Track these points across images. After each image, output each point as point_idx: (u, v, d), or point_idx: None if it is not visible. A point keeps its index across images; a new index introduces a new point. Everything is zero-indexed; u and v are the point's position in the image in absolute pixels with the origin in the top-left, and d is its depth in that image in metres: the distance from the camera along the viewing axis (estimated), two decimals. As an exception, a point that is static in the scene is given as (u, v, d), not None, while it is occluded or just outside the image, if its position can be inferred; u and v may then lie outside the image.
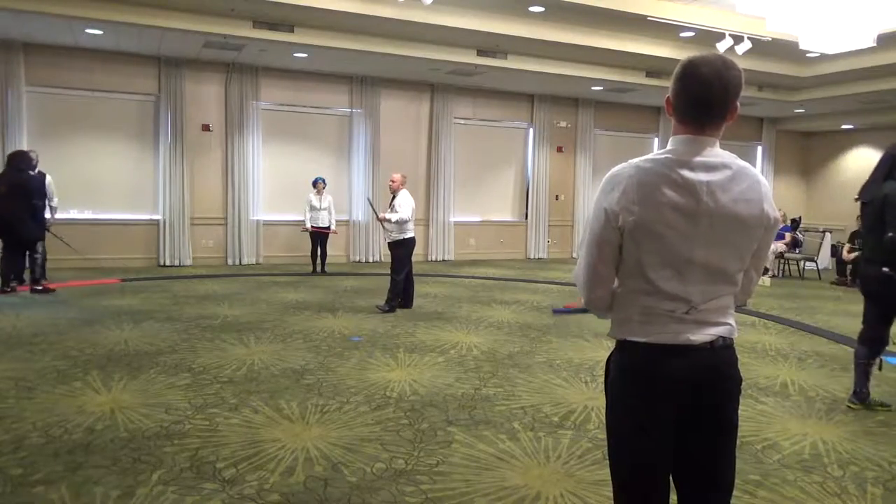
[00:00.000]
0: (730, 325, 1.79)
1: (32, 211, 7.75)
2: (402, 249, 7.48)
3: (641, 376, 1.76)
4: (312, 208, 10.51)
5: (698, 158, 1.70)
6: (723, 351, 1.78)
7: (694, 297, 1.72)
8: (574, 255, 14.15)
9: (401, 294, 7.53)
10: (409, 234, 7.48)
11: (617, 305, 1.80)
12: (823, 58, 10.67)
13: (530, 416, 4.11)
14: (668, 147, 1.75)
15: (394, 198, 7.54)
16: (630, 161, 1.74)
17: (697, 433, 1.78)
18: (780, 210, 10.81)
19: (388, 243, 7.62)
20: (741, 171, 1.72)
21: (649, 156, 1.74)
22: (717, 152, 1.73)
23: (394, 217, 7.37)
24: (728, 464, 1.86)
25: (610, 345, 6.06)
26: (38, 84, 10.12)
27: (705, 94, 1.70)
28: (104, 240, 10.52)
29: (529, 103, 13.55)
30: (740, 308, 1.85)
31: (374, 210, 8.53)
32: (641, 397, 1.76)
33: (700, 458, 1.81)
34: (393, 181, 7.63)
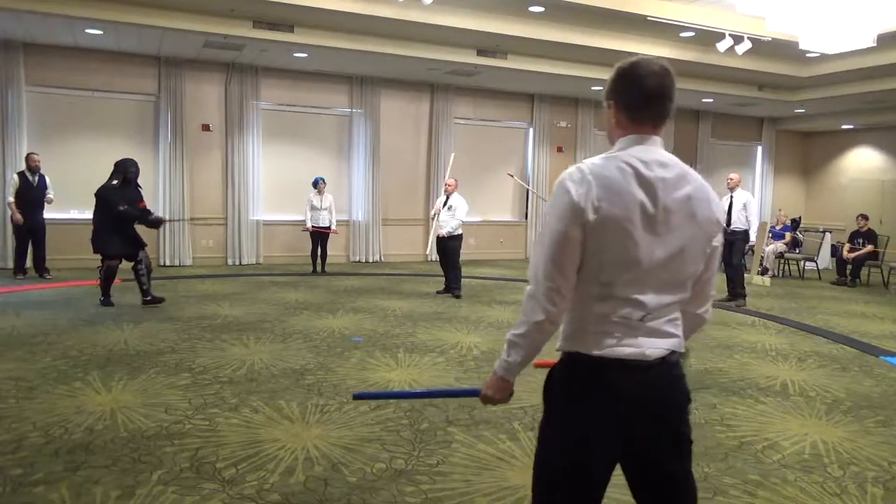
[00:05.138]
0: (679, 337, 1.75)
1: (117, 224, 7.10)
2: (457, 241, 8.53)
3: (592, 392, 1.68)
4: (313, 208, 10.51)
5: (653, 157, 1.68)
6: (674, 365, 1.74)
7: (650, 302, 1.67)
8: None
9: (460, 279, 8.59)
10: (461, 230, 8.56)
11: (568, 317, 1.71)
12: (823, 58, 10.68)
13: (530, 416, 4.11)
14: (622, 146, 1.71)
15: (448, 198, 8.53)
16: (584, 161, 1.69)
17: (651, 450, 1.74)
18: (779, 210, 10.73)
19: (445, 237, 8.41)
20: (688, 172, 1.72)
21: (603, 155, 1.71)
22: (665, 152, 1.72)
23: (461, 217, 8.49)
24: (688, 475, 1.83)
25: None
26: (38, 84, 10.11)
27: (659, 92, 1.69)
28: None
29: (529, 103, 13.55)
30: (700, 326, 1.76)
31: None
32: (590, 414, 1.68)
33: (657, 475, 1.79)
34: (448, 185, 8.63)
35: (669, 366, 1.72)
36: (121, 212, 6.98)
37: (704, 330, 7.04)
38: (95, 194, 7.13)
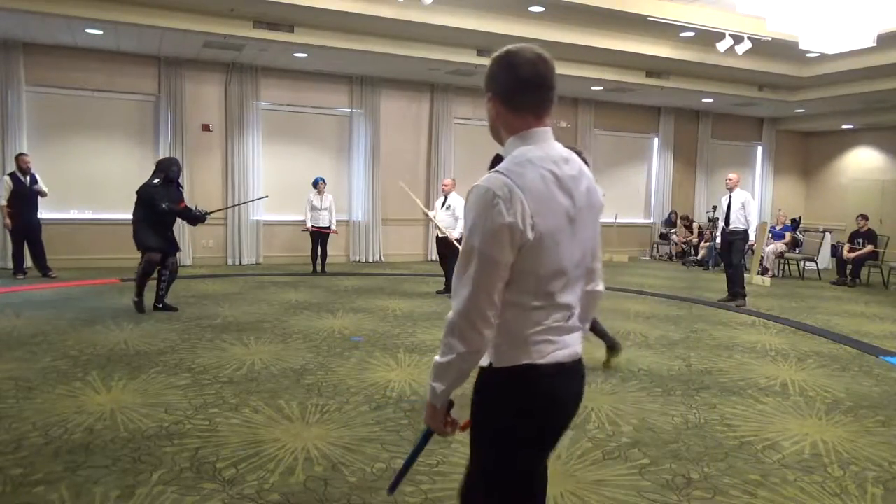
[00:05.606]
0: (583, 329, 1.78)
1: (158, 221, 6.97)
2: (459, 241, 8.32)
3: (540, 400, 1.65)
4: (313, 208, 10.51)
5: (557, 154, 1.64)
6: (581, 357, 1.77)
7: (574, 302, 1.68)
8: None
9: None
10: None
11: (503, 332, 1.61)
12: (823, 58, 10.68)
13: (530, 416, 4.11)
14: (522, 145, 1.63)
15: (446, 198, 8.39)
16: (498, 172, 1.56)
17: (558, 438, 1.79)
18: (779, 210, 10.72)
19: (447, 239, 8.12)
20: (578, 161, 1.69)
21: (516, 160, 1.59)
22: (559, 144, 1.68)
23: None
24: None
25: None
26: (38, 84, 10.11)
27: (535, 80, 1.63)
28: (104, 240, 10.51)
29: (529, 103, 13.53)
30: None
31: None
32: (540, 421, 1.67)
33: (542, 467, 1.84)
34: (445, 185, 8.50)
35: (579, 358, 1.74)
36: (164, 210, 6.88)
37: (705, 330, 6.99)
38: (137, 192, 7.04)
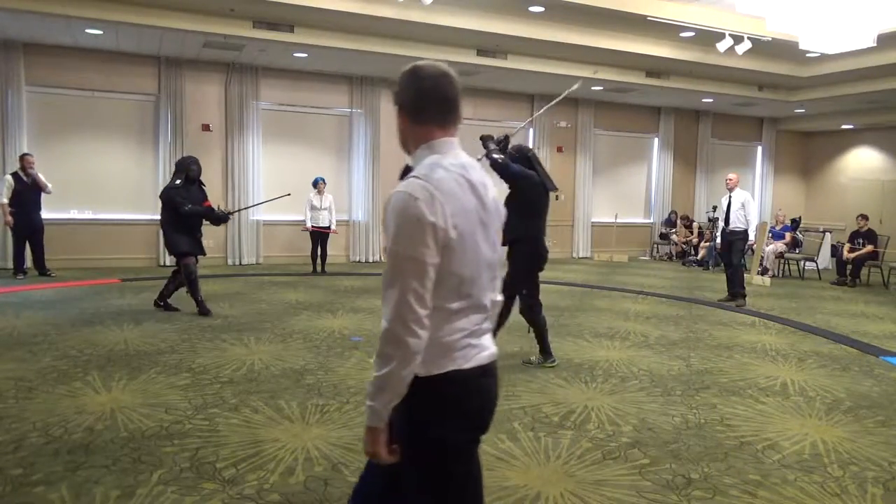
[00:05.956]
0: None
1: (185, 223, 6.89)
2: None
3: (469, 405, 1.69)
4: (313, 208, 10.52)
5: (464, 161, 1.71)
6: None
7: (489, 304, 1.74)
8: (574, 255, 14.16)
9: None
10: None
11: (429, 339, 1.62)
12: (823, 58, 10.68)
13: (530, 416, 4.11)
14: (430, 154, 1.69)
15: None
16: (415, 177, 1.61)
17: (478, 438, 1.82)
18: (780, 210, 10.73)
19: None
20: (480, 169, 1.76)
21: (429, 167, 1.64)
22: (464, 153, 1.75)
23: None
24: None
25: (608, 345, 6.06)
26: (38, 84, 10.11)
27: (453, 95, 1.72)
28: (104, 240, 10.52)
29: (529, 103, 13.55)
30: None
31: None
32: (470, 424, 1.71)
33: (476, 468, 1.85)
34: None
35: (495, 359, 1.79)
36: (187, 212, 6.79)
37: (705, 330, 6.98)
38: (160, 196, 6.98)
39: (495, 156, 5.14)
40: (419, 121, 1.71)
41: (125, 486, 3.02)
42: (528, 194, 5.17)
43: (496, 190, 1.78)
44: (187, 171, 6.95)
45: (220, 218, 7.17)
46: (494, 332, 1.87)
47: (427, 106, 1.71)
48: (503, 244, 1.98)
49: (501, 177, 5.21)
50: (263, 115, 11.46)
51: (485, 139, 5.31)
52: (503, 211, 1.80)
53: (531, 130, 13.66)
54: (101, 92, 10.48)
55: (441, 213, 1.56)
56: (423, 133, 1.71)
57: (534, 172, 5.21)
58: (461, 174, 1.66)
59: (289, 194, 9.07)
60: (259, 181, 11.41)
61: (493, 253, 1.73)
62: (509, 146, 5.34)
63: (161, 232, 6.92)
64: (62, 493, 2.93)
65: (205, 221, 7.09)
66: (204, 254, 7.16)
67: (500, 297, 1.85)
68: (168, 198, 6.82)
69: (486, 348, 1.74)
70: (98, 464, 3.24)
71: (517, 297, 5.33)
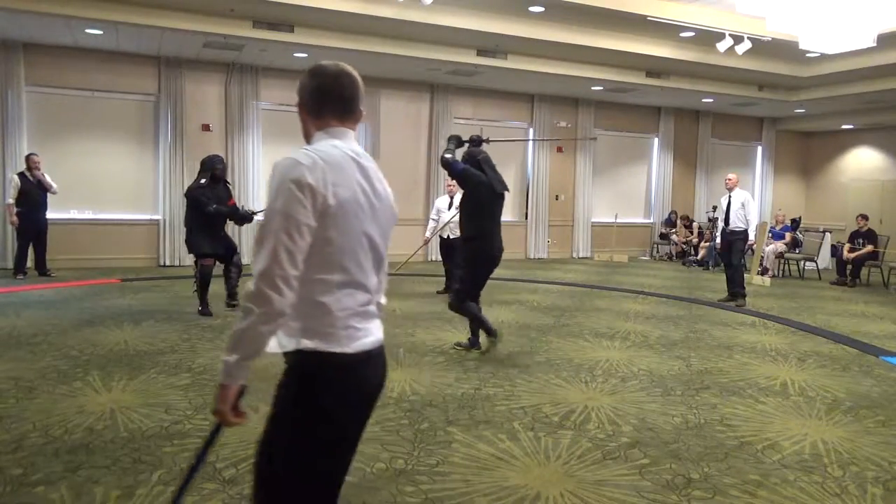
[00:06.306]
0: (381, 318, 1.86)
1: (208, 223, 6.84)
2: None
3: (350, 392, 1.71)
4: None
5: (356, 148, 1.80)
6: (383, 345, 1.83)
7: (372, 286, 1.77)
8: (574, 255, 14.16)
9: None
10: None
11: (308, 310, 1.65)
12: (823, 58, 10.68)
13: (530, 416, 4.11)
14: (326, 138, 1.77)
15: (452, 199, 8.45)
16: (304, 149, 1.70)
17: (365, 421, 1.85)
18: (779, 210, 10.74)
19: (458, 239, 7.78)
20: (374, 164, 1.84)
21: (320, 143, 1.74)
22: (358, 146, 1.83)
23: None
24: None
25: (608, 345, 6.06)
26: (38, 84, 10.11)
27: (350, 94, 1.81)
28: (104, 240, 10.52)
29: (529, 103, 13.55)
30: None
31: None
32: (349, 411, 1.72)
33: (353, 446, 1.87)
34: (451, 186, 8.48)
35: (383, 345, 1.82)
36: (212, 211, 6.74)
37: (705, 330, 6.98)
38: (185, 195, 6.94)
39: (446, 155, 5.47)
40: (318, 116, 1.81)
41: (125, 486, 3.02)
42: (475, 195, 5.46)
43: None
44: (213, 170, 6.91)
45: (244, 217, 7.15)
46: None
47: (325, 103, 1.79)
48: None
49: (449, 175, 5.58)
50: (263, 115, 11.46)
51: (449, 139, 5.70)
52: (395, 213, 1.86)
53: (531, 130, 13.67)
54: (101, 92, 10.48)
55: (322, 179, 1.61)
56: (320, 124, 1.81)
57: (480, 173, 5.43)
58: (350, 155, 1.73)
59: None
60: (259, 181, 11.41)
61: (381, 240, 1.78)
62: (480, 146, 5.70)
63: (186, 231, 6.89)
64: (62, 493, 2.93)
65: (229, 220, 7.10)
66: (235, 251, 7.12)
67: (384, 301, 1.89)
68: (193, 197, 6.78)
69: (372, 334, 1.75)
70: (98, 464, 3.24)
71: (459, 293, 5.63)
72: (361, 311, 1.72)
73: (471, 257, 5.53)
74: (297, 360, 1.69)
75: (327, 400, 1.68)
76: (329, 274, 1.66)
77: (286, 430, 1.71)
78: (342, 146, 1.74)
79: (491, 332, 5.56)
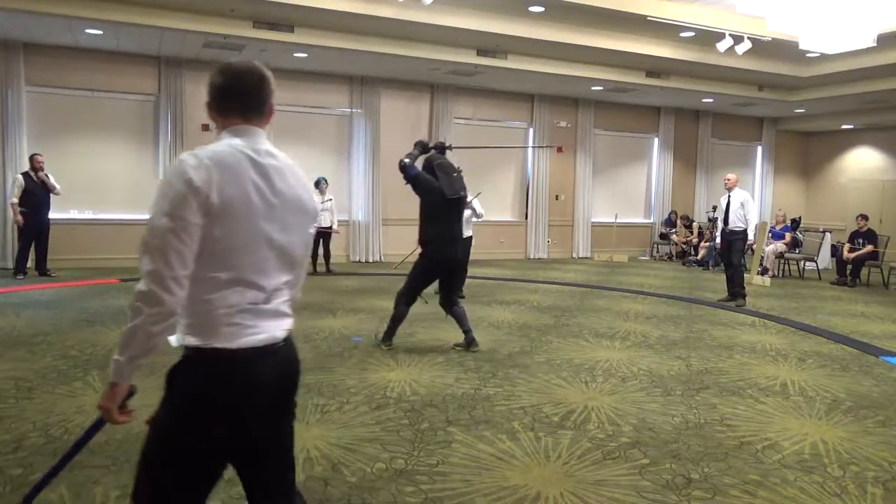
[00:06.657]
0: (293, 317, 1.85)
1: None
2: (469, 242, 8.23)
3: (234, 387, 1.69)
4: (313, 208, 10.50)
5: (261, 147, 1.79)
6: (292, 342, 1.84)
7: (270, 285, 1.75)
8: (574, 255, 14.16)
9: None
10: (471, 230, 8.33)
11: (193, 308, 1.66)
12: (823, 58, 10.68)
13: (530, 416, 4.11)
14: (228, 137, 1.78)
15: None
16: (196, 150, 1.71)
17: (274, 424, 1.83)
18: (779, 210, 10.74)
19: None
20: (292, 164, 1.85)
21: (213, 145, 1.74)
22: (269, 144, 1.83)
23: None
24: (293, 442, 1.94)
25: (608, 345, 6.06)
26: (38, 84, 10.11)
27: (246, 89, 1.80)
28: (104, 240, 10.52)
29: (529, 103, 13.55)
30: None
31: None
32: (231, 407, 1.70)
33: (274, 445, 1.86)
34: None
35: (289, 342, 1.82)
36: None
37: (705, 330, 6.99)
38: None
39: (405, 160, 5.69)
40: (222, 113, 1.82)
41: (125, 486, 3.02)
42: (426, 199, 5.62)
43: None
44: None
45: None
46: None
47: (229, 101, 1.80)
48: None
49: (405, 179, 5.73)
50: (263, 115, 11.44)
51: (415, 144, 6.00)
52: (313, 208, 1.86)
53: (531, 130, 13.66)
54: (101, 92, 10.48)
55: (206, 179, 1.62)
56: (226, 122, 1.81)
57: (432, 179, 5.57)
58: (246, 153, 1.72)
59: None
60: (259, 181, 11.40)
61: (285, 238, 1.76)
62: (444, 152, 6.00)
63: None
64: (62, 493, 2.93)
65: None
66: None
67: (297, 296, 1.90)
68: None
69: (265, 331, 1.72)
70: (98, 464, 3.24)
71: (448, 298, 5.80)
72: (251, 309, 1.70)
73: (424, 261, 5.69)
74: (185, 355, 1.73)
75: (209, 388, 1.69)
76: (217, 272, 1.66)
77: (167, 412, 1.77)
78: (240, 145, 1.74)
79: (388, 339, 5.72)
